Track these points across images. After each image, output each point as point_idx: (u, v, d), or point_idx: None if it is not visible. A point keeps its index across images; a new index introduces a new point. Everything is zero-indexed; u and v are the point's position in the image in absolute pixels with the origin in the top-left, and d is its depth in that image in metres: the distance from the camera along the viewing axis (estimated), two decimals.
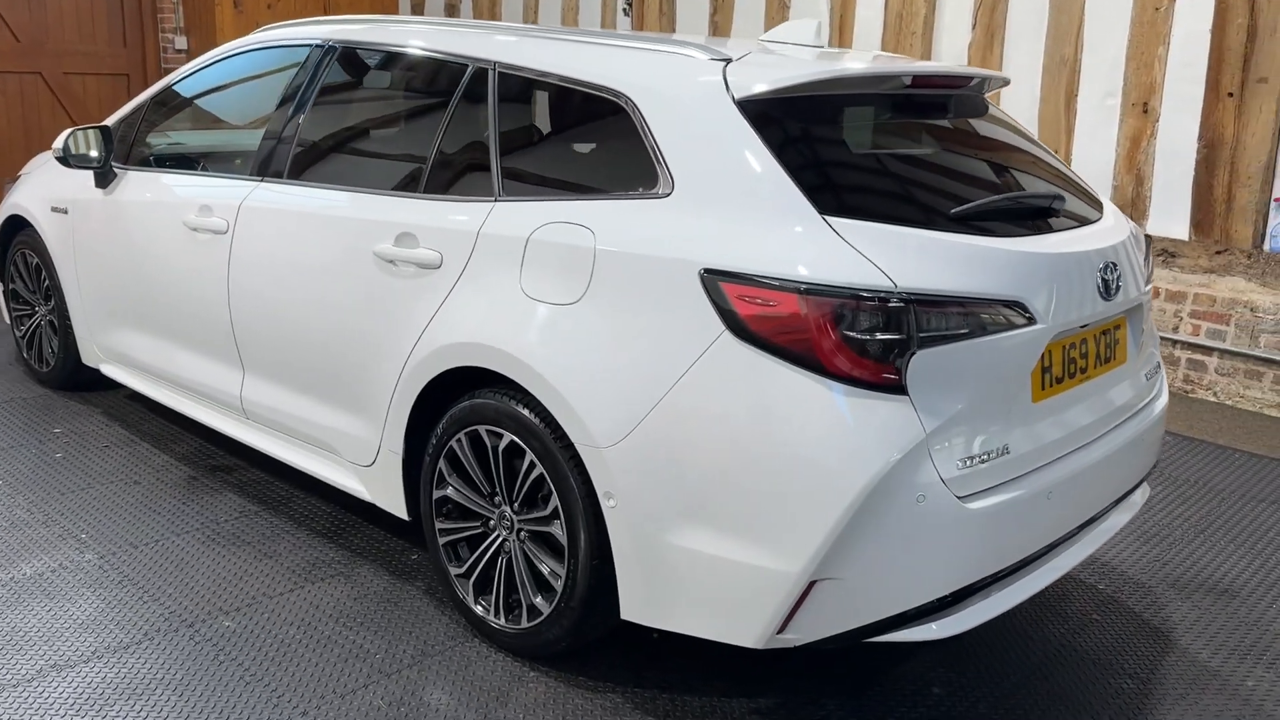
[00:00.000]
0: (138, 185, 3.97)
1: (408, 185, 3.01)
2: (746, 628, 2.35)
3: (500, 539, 2.81)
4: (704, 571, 2.37)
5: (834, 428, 2.20)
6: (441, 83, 3.07)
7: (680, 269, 2.36)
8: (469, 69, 2.97)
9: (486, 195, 2.81)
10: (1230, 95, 5.19)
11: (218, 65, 3.90)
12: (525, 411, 2.62)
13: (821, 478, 2.19)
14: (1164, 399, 2.99)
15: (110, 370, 4.32)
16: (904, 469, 2.19)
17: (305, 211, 3.22)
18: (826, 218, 2.30)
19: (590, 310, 2.50)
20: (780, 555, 2.25)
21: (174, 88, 4.06)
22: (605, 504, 2.48)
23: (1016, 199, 2.52)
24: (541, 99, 2.90)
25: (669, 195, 2.47)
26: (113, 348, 4.23)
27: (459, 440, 2.82)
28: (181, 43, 8.27)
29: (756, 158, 2.39)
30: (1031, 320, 2.39)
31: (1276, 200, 5.18)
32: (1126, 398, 2.81)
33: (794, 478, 2.22)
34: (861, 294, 2.19)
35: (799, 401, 2.21)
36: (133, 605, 3.00)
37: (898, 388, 2.21)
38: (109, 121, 4.22)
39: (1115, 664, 2.87)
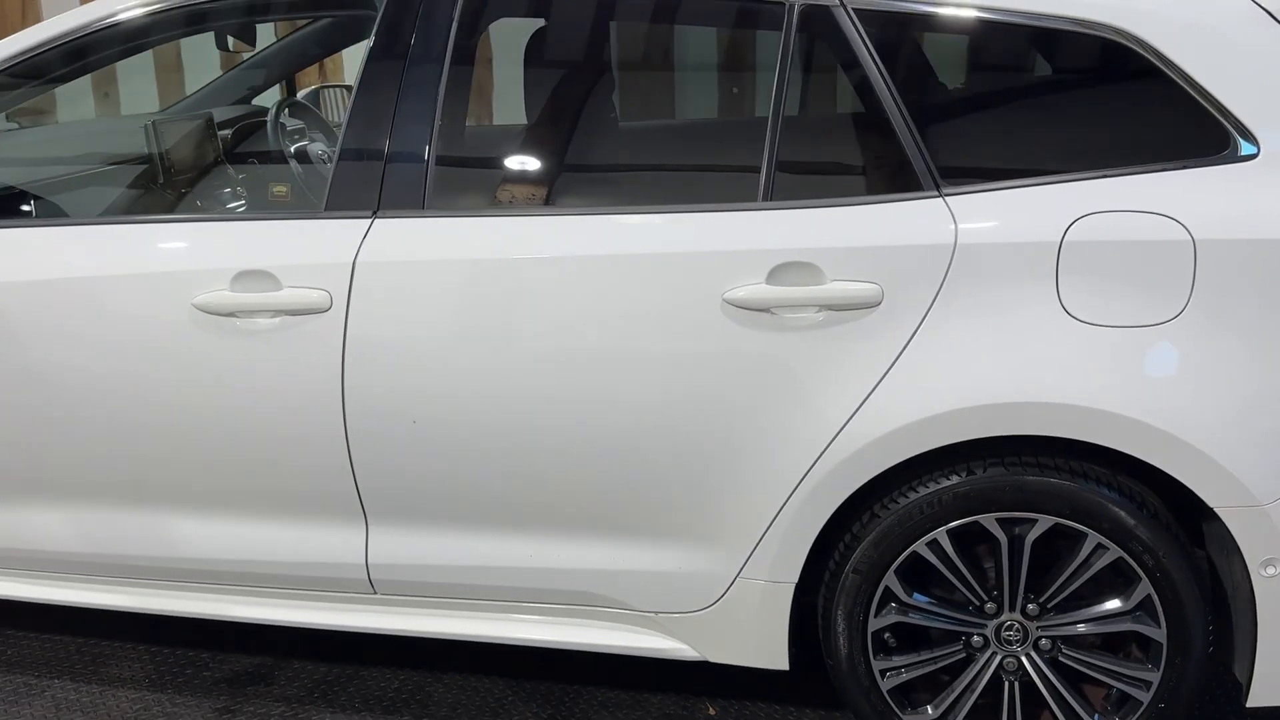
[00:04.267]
0: (23, 251, 2.27)
1: (726, 195, 2.00)
2: None
3: (998, 659, 2.04)
4: None
5: None
6: (734, 34, 2.06)
7: None
8: (791, 9, 2.00)
9: (913, 190, 1.94)
10: None
11: (125, 30, 2.31)
12: (1082, 484, 1.90)
13: None
14: None
15: None
16: None
17: (532, 258, 2.02)
18: None
19: (1201, 326, 1.84)
20: None
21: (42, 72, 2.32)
22: (1260, 573, 1.88)
23: None
24: (949, 44, 2.06)
25: (1255, 156, 1.87)
26: None
27: (933, 543, 1.98)
28: None
29: None
30: None
31: None
32: None
33: None
34: None
35: None
36: None
37: None
38: None
39: None
